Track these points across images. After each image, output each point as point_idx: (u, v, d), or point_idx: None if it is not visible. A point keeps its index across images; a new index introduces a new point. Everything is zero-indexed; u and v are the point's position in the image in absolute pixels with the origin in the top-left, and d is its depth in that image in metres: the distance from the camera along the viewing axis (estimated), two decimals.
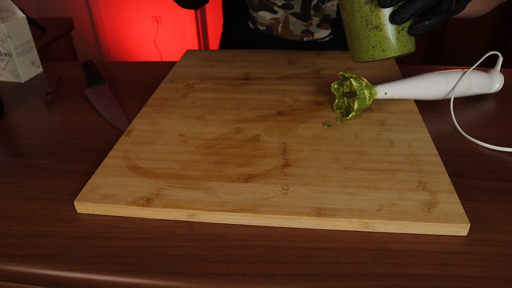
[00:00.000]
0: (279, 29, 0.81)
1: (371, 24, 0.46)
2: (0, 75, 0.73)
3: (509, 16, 1.92)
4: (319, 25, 0.79)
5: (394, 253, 0.36)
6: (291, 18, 0.79)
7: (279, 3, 0.77)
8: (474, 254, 0.36)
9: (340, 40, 0.82)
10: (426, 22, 0.46)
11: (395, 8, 0.45)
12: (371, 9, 0.45)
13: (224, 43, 0.95)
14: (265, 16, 0.80)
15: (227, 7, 0.91)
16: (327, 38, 0.82)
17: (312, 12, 0.77)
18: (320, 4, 0.76)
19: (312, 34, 0.81)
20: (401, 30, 0.46)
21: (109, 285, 0.35)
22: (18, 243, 0.39)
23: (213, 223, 0.40)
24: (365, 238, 0.38)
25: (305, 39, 0.82)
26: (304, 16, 0.78)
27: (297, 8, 0.77)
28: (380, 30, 0.46)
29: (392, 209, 0.39)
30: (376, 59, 0.48)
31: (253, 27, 0.84)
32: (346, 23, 0.49)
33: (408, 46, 0.47)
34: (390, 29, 0.46)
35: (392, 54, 0.47)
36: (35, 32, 1.36)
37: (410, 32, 0.47)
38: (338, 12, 0.77)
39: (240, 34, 0.88)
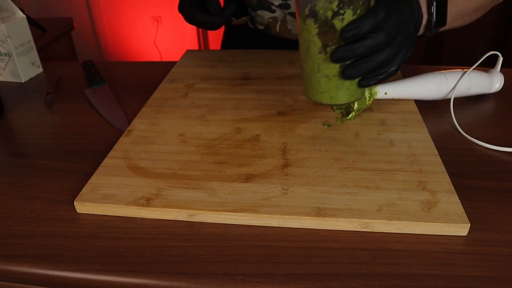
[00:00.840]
0: (277, 28, 0.81)
1: (322, 72, 0.45)
2: (0, 75, 0.73)
3: (509, 16, 1.92)
4: None
5: (394, 253, 0.36)
6: (289, 18, 0.79)
7: (276, 3, 0.77)
8: (474, 254, 0.36)
9: None
10: (378, 76, 0.44)
11: (347, 63, 0.43)
12: (323, 59, 0.44)
13: (226, 43, 0.95)
14: (263, 15, 0.80)
15: None
16: None
17: None
18: None
19: None
20: (351, 81, 0.45)
21: (109, 285, 0.35)
22: (18, 243, 0.39)
23: (213, 223, 0.40)
24: (365, 238, 0.38)
25: None
26: None
27: (293, 8, 0.77)
28: (330, 79, 0.45)
29: (392, 209, 0.39)
30: (323, 103, 0.47)
31: (252, 26, 0.84)
32: (300, 61, 0.48)
33: (356, 95, 0.47)
34: (339, 80, 0.45)
35: (339, 102, 0.47)
36: (35, 32, 1.36)
37: (360, 84, 0.45)
38: None
39: (240, 33, 0.88)
